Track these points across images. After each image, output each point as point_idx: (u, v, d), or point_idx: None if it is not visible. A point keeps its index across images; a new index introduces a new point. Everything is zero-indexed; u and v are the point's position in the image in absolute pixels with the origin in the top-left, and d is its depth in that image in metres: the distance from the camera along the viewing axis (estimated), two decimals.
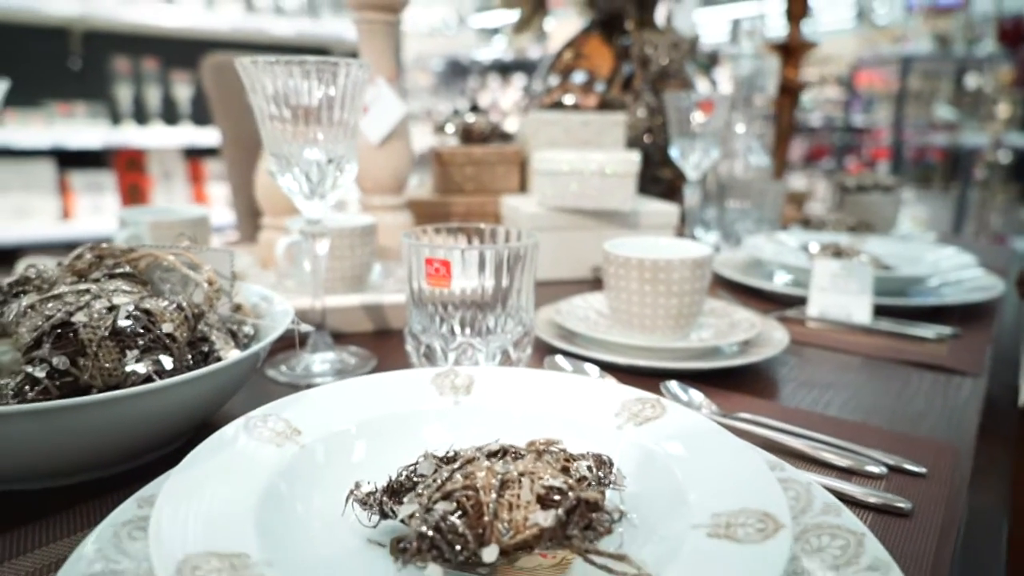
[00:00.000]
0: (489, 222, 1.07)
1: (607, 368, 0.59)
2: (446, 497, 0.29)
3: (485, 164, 1.08)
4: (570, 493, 0.29)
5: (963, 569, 0.36)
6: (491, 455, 0.32)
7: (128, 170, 3.06)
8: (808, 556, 0.31)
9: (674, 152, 1.06)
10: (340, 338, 0.70)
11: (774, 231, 1.11)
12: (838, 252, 0.88)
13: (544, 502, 0.29)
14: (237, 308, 0.53)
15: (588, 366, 0.56)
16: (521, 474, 0.30)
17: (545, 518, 0.28)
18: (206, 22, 3.03)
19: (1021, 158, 3.69)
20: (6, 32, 2.79)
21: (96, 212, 2.93)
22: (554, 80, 1.29)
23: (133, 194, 3.06)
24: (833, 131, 7.77)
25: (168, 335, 0.41)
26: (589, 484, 0.32)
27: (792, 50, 1.39)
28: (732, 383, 0.59)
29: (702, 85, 1.55)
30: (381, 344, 0.69)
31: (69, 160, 2.92)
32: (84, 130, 2.85)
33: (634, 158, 0.91)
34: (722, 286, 0.92)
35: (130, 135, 2.92)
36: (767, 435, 0.47)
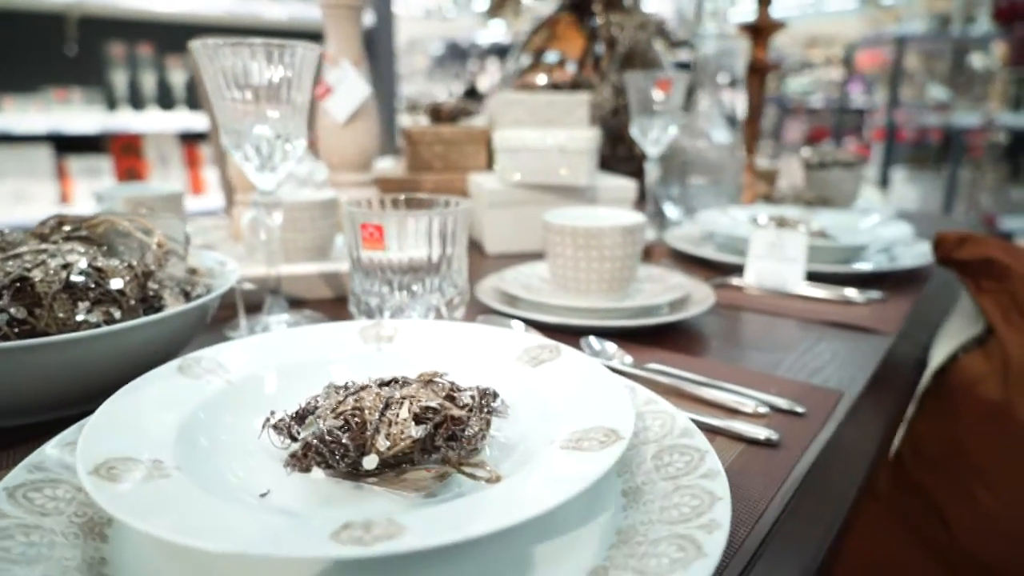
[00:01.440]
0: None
1: (543, 328, 0.64)
2: (337, 416, 0.34)
3: (453, 143, 1.12)
4: (444, 412, 0.34)
5: (812, 493, 0.40)
6: (383, 384, 0.37)
7: (124, 155, 3.10)
8: (659, 469, 0.36)
9: (634, 129, 1.10)
10: (301, 304, 0.75)
11: (732, 205, 1.15)
12: (781, 224, 0.92)
13: (419, 419, 0.34)
14: (193, 271, 0.58)
15: (514, 323, 0.61)
16: (403, 397, 0.34)
17: (417, 431, 0.33)
18: (200, 7, 3.06)
19: (1013, 138, 3.70)
20: (2, 19, 2.83)
21: (94, 197, 2.98)
22: (526, 60, 1.32)
23: (130, 178, 3.11)
24: (833, 112, 7.75)
25: (118, 290, 0.46)
26: (470, 409, 0.37)
27: (761, 30, 1.42)
28: (660, 341, 0.63)
29: (674, 65, 1.58)
30: (339, 308, 0.73)
31: (66, 145, 2.96)
32: (81, 115, 2.89)
33: (589, 135, 0.95)
34: (673, 257, 0.96)
35: (126, 120, 2.96)
36: (668, 382, 0.51)
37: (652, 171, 1.12)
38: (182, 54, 3.25)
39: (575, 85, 1.24)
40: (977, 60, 4.32)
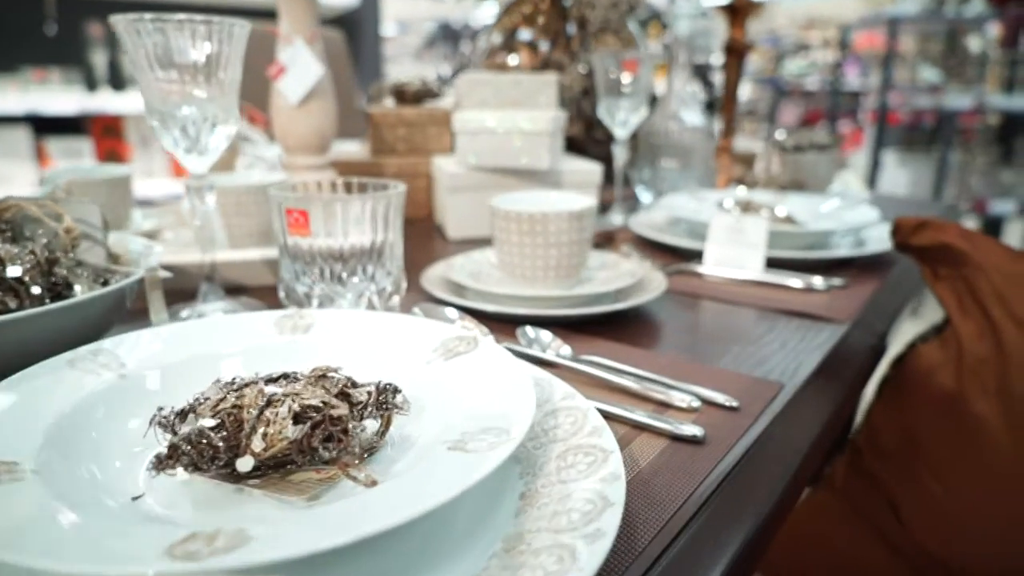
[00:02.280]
0: (421, 183, 1.09)
1: (484, 317, 0.62)
2: (215, 415, 0.32)
3: (417, 125, 1.10)
4: (325, 411, 0.32)
5: (735, 492, 0.38)
6: (271, 380, 0.35)
7: (105, 136, 3.06)
8: (561, 471, 0.34)
9: (602, 111, 1.07)
10: (243, 291, 0.73)
11: (703, 189, 1.13)
12: (747, 208, 0.90)
13: (299, 419, 0.32)
14: (115, 258, 0.56)
15: (449, 311, 0.59)
16: (286, 395, 0.32)
17: (293, 431, 0.31)
18: None
19: (1005, 120, 3.67)
20: None
21: (39, 180, 2.94)
22: (497, 39, 1.29)
23: (111, 160, 3.07)
24: (828, 94, 7.69)
25: (15, 279, 0.44)
26: (365, 406, 0.35)
27: (738, 10, 1.39)
28: (608, 330, 0.61)
29: (652, 45, 1.55)
30: None
31: (45, 126, 2.92)
32: (60, 96, 2.85)
33: (551, 117, 0.93)
34: (637, 243, 0.94)
35: (106, 101, 2.91)
36: (600, 375, 0.50)
37: (620, 154, 1.10)
38: None
39: (545, 66, 1.21)
40: (974, 43, 4.28)
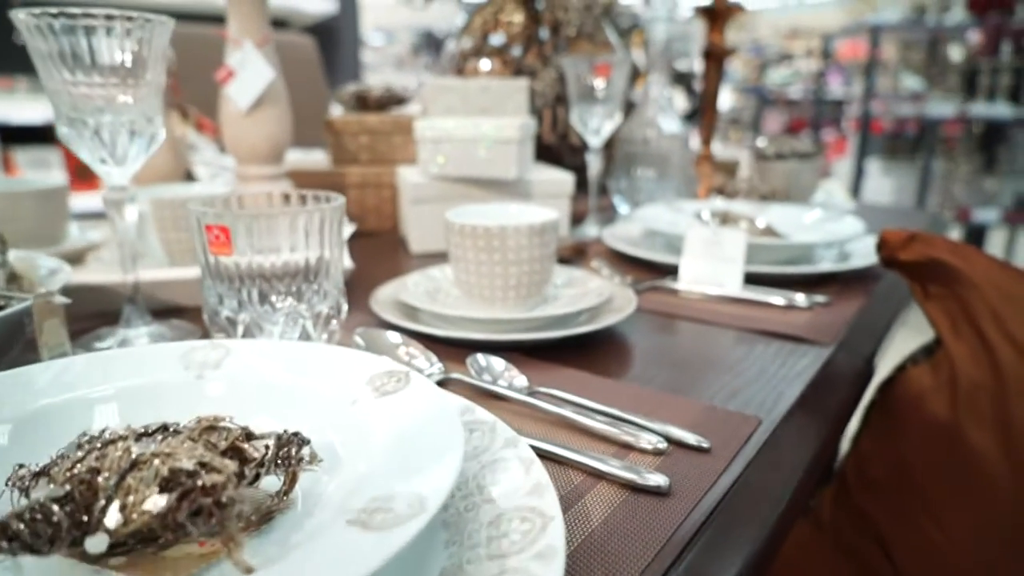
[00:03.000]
0: (385, 193, 1.04)
1: (435, 342, 0.56)
2: (65, 482, 0.26)
3: (380, 133, 1.04)
4: (198, 478, 0.26)
5: (705, 553, 0.33)
6: (144, 435, 0.29)
7: None
8: (491, 541, 0.28)
9: (574, 118, 1.02)
10: (180, 312, 0.67)
11: (680, 199, 1.08)
12: (725, 220, 0.85)
13: (167, 486, 0.26)
14: (14, 279, 0.50)
15: (391, 336, 0.53)
16: (155, 455, 0.27)
17: (155, 503, 0.25)
18: None
19: (987, 128, 3.67)
20: None
21: None
22: (467, 43, 1.24)
23: (82, 171, 2.99)
24: (812, 103, 7.71)
25: None
26: (262, 464, 0.29)
27: (718, 14, 1.34)
28: (570, 356, 0.56)
29: (635, 54, 1.51)
30: None
31: (12, 136, 2.84)
32: (27, 105, 2.77)
33: (519, 124, 0.88)
34: (610, 257, 0.89)
35: None
36: (557, 411, 0.44)
37: (594, 163, 1.05)
38: None
39: (517, 72, 1.16)
40: (954, 52, 4.29)
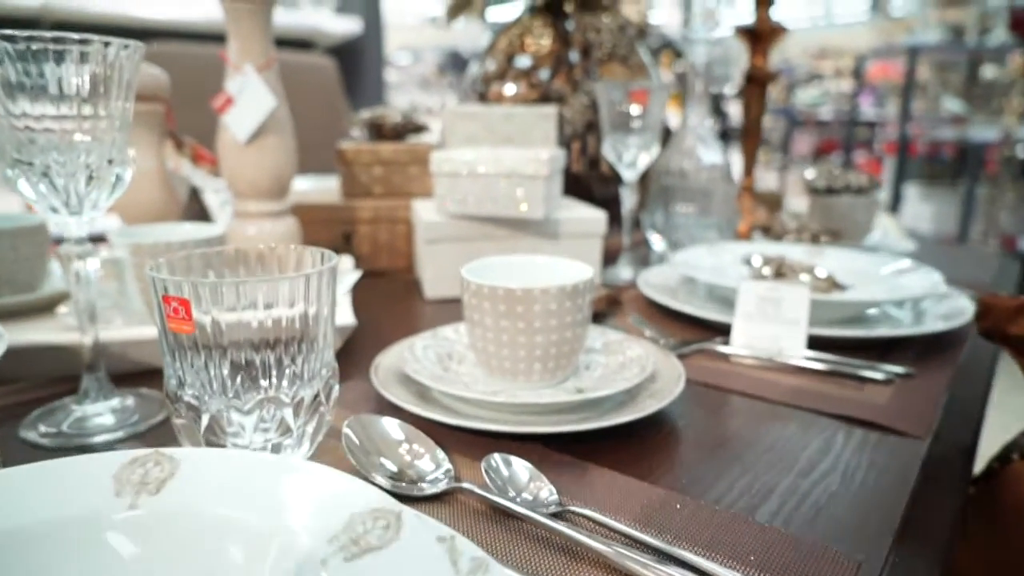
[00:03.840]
0: (400, 229, 0.95)
1: (445, 432, 0.47)
2: None
3: (395, 164, 0.96)
4: None
5: None
6: None
7: None
8: None
9: (607, 149, 0.93)
10: (158, 375, 0.58)
11: (723, 239, 0.98)
12: (780, 269, 0.74)
13: None
14: None
15: (389, 424, 0.44)
16: None
17: None
18: (182, 13, 2.91)
19: None
20: None
21: None
22: (491, 65, 1.16)
23: None
24: (843, 124, 7.57)
25: None
26: None
27: (760, 36, 1.25)
28: (604, 450, 0.46)
29: (665, 75, 1.42)
30: None
31: None
32: None
33: (546, 157, 0.78)
34: (647, 307, 0.79)
35: None
36: (588, 542, 0.34)
37: (628, 198, 0.95)
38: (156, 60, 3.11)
39: (544, 97, 1.07)
40: (989, 71, 4.14)
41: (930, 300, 0.74)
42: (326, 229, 0.94)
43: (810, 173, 1.12)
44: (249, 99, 0.76)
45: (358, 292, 0.78)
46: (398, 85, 4.38)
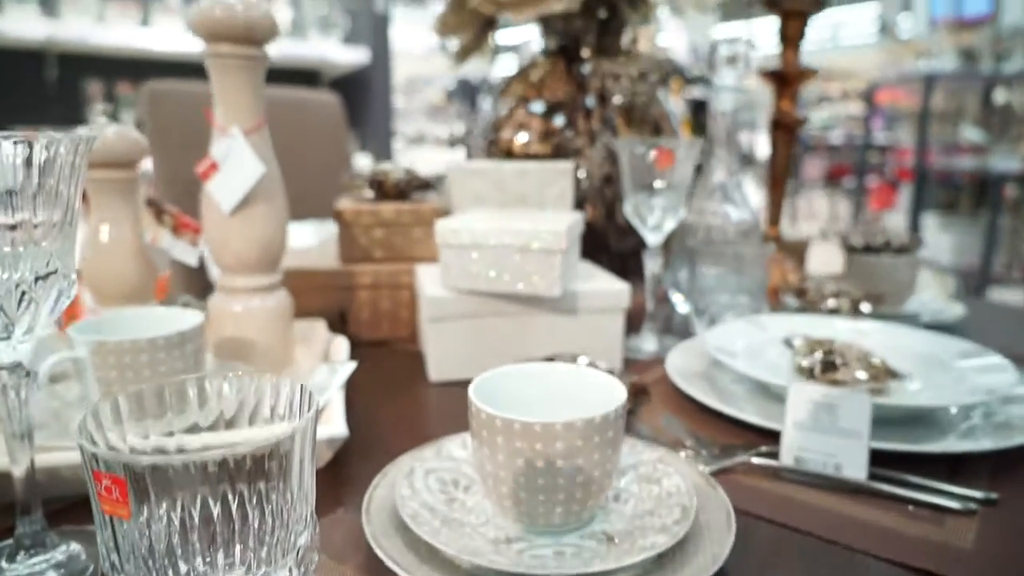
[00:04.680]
0: (403, 296, 0.87)
1: None
2: None
3: (397, 225, 0.88)
4: None
5: None
6: None
7: None
8: None
9: (628, 209, 0.85)
10: None
11: (757, 306, 0.90)
12: (829, 357, 0.66)
13: None
14: None
15: None
16: None
17: None
18: (185, 45, 2.87)
19: None
20: None
21: None
22: (504, 108, 1.09)
23: None
24: (854, 149, 7.51)
25: None
26: None
27: (788, 79, 1.18)
28: None
29: (673, 102, 1.34)
30: None
31: None
32: None
33: (563, 228, 0.70)
34: (677, 400, 0.70)
35: None
36: None
37: (652, 264, 0.87)
38: (163, 99, 3.07)
39: (557, 151, 1.00)
40: (1005, 97, 4.07)
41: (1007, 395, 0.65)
42: (322, 297, 0.87)
43: (848, 229, 1.03)
44: (235, 166, 0.68)
45: (352, 378, 0.70)
46: (405, 114, 4.34)
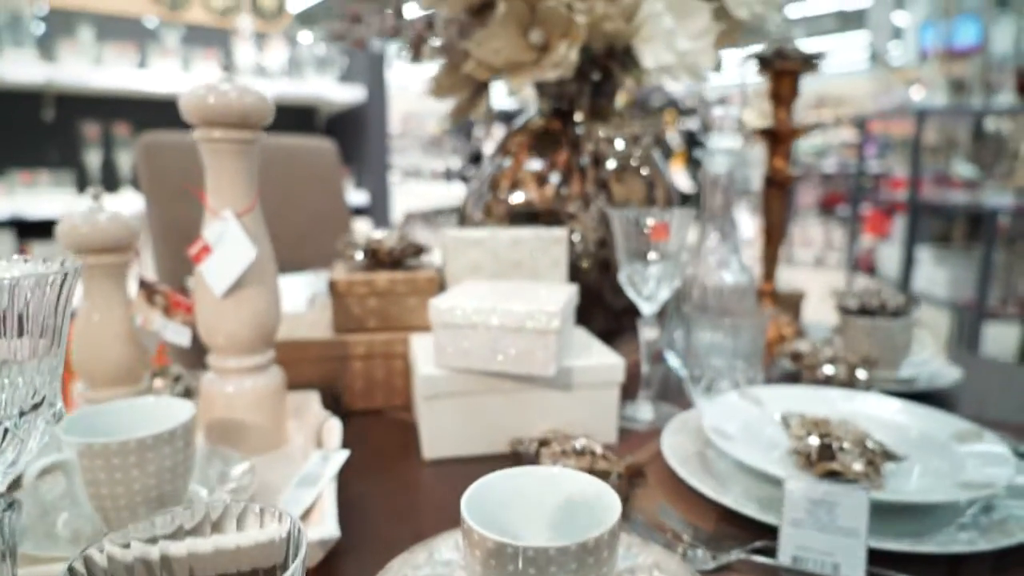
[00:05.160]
0: (397, 365, 0.87)
1: None
2: None
3: (392, 295, 0.88)
4: None
5: None
6: None
7: None
8: None
9: (623, 279, 0.85)
10: None
11: (753, 373, 0.89)
12: (825, 440, 0.65)
13: None
14: None
15: None
16: None
17: None
18: (181, 85, 2.89)
19: None
20: None
21: None
22: (504, 165, 1.09)
23: None
24: (848, 177, 7.54)
25: None
26: None
27: (781, 137, 1.19)
28: None
29: (670, 135, 1.35)
30: None
31: (30, 230, 2.77)
32: (47, 198, 2.71)
33: (556, 308, 0.70)
34: (672, 484, 0.69)
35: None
36: None
37: (647, 332, 0.87)
38: (160, 131, 3.09)
39: (551, 216, 1.00)
40: (996, 132, 4.11)
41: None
42: (315, 368, 0.86)
43: (841, 295, 1.03)
44: (228, 249, 0.68)
45: (347, 443, 0.70)
46: (401, 148, 4.36)
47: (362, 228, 3.30)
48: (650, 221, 0.81)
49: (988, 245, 3.18)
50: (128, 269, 0.70)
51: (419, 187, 4.08)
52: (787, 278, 1.57)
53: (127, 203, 2.79)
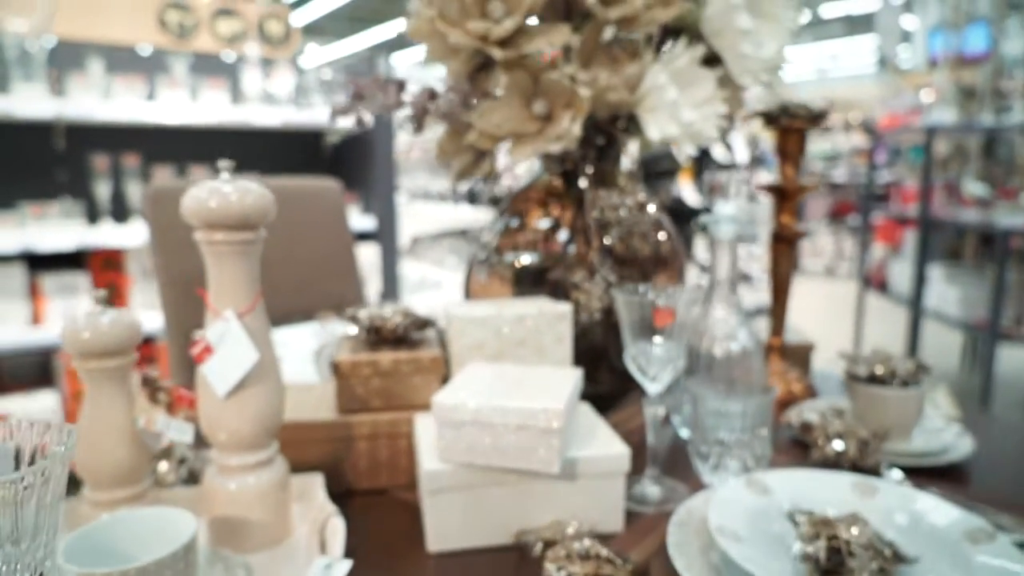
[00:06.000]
0: (401, 444, 0.86)
1: None
2: None
3: (396, 375, 0.87)
4: None
5: None
6: None
7: (104, 270, 2.92)
8: None
9: (628, 361, 0.85)
10: None
11: (762, 448, 0.88)
12: (833, 543, 0.64)
13: None
14: None
15: None
16: None
17: None
18: (189, 115, 2.91)
19: None
20: None
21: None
22: (512, 223, 1.09)
23: (110, 294, 2.92)
24: (858, 187, 7.49)
25: None
26: None
27: (788, 193, 1.18)
28: None
29: (689, 195, 1.34)
30: None
31: (41, 262, 2.79)
32: (58, 230, 2.73)
33: (560, 406, 0.70)
34: None
35: (107, 234, 2.78)
36: None
37: (653, 410, 0.86)
38: (168, 163, 3.12)
39: (555, 288, 0.99)
40: (1007, 150, 4.08)
41: None
42: (318, 449, 0.86)
43: (844, 357, 1.02)
44: (230, 350, 0.68)
45: (350, 534, 0.70)
46: (407, 170, 4.37)
47: (368, 255, 3.30)
48: (657, 302, 0.80)
49: (1000, 266, 3.15)
50: (130, 370, 0.70)
51: (427, 208, 4.09)
52: (798, 290, 1.53)
53: (136, 234, 2.81)
